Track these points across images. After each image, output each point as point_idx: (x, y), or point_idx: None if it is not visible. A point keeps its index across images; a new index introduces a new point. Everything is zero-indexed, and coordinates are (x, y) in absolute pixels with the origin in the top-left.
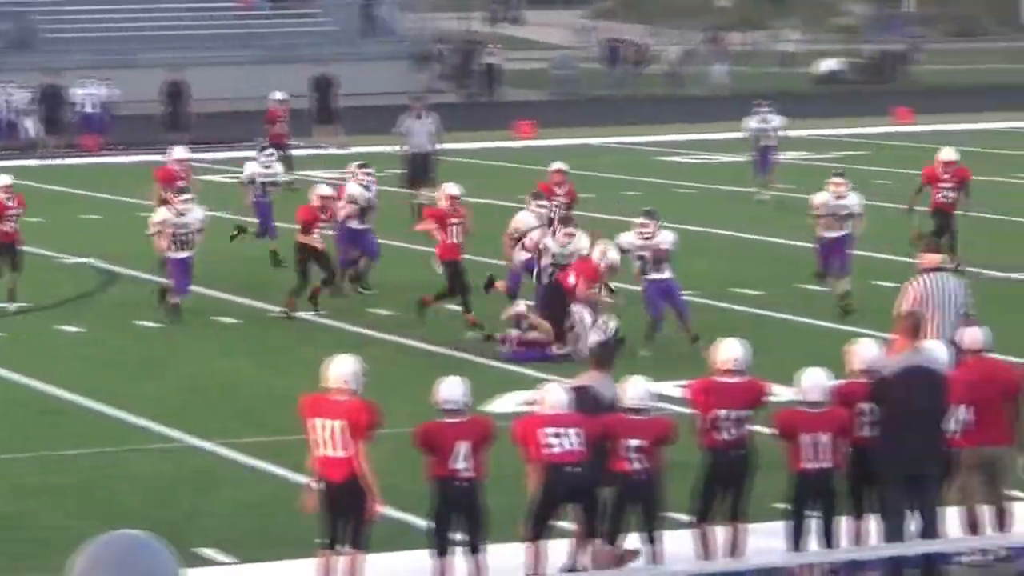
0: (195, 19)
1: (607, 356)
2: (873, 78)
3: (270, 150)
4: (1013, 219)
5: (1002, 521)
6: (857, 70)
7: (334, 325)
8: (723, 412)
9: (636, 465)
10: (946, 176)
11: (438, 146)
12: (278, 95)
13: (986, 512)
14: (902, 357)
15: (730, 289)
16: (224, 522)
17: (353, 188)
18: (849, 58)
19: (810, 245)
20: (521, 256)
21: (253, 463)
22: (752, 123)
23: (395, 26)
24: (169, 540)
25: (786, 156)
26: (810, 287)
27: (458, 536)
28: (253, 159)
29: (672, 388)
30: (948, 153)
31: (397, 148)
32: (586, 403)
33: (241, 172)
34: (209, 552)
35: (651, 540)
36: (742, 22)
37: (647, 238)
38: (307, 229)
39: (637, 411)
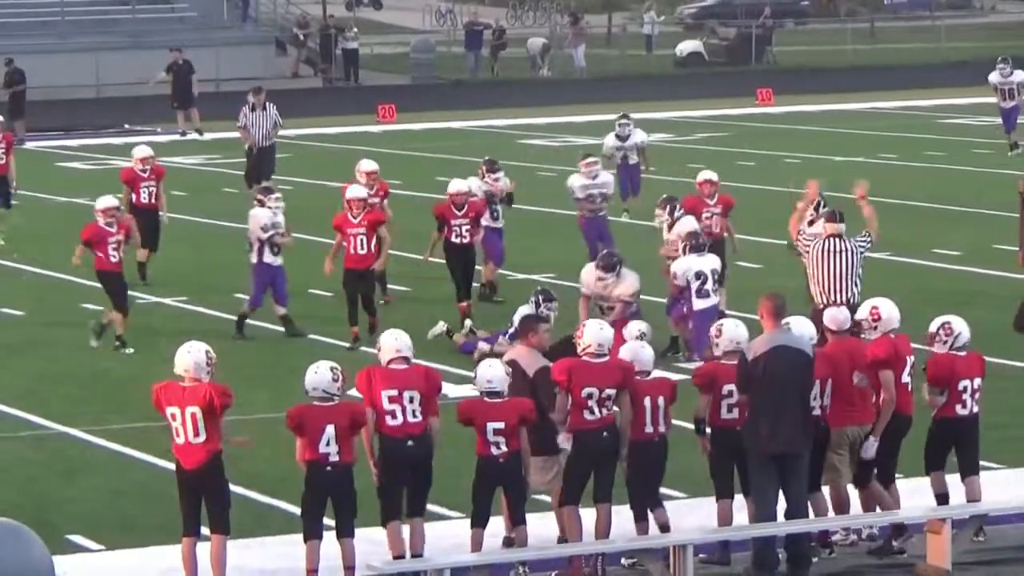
0: (52, 5)
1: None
2: (733, 59)
3: (277, 194)
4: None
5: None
6: (717, 52)
7: (199, 311)
8: (588, 391)
9: (495, 449)
10: None
11: (275, 139)
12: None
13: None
14: (766, 337)
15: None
16: (91, 509)
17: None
18: (709, 39)
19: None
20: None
21: (119, 449)
22: (613, 139)
23: (255, 11)
24: (37, 527)
25: (647, 139)
26: None
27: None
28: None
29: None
30: None
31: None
32: (516, 377)
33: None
34: (77, 539)
35: (517, 522)
36: (604, 5)
37: None
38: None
39: (494, 394)
